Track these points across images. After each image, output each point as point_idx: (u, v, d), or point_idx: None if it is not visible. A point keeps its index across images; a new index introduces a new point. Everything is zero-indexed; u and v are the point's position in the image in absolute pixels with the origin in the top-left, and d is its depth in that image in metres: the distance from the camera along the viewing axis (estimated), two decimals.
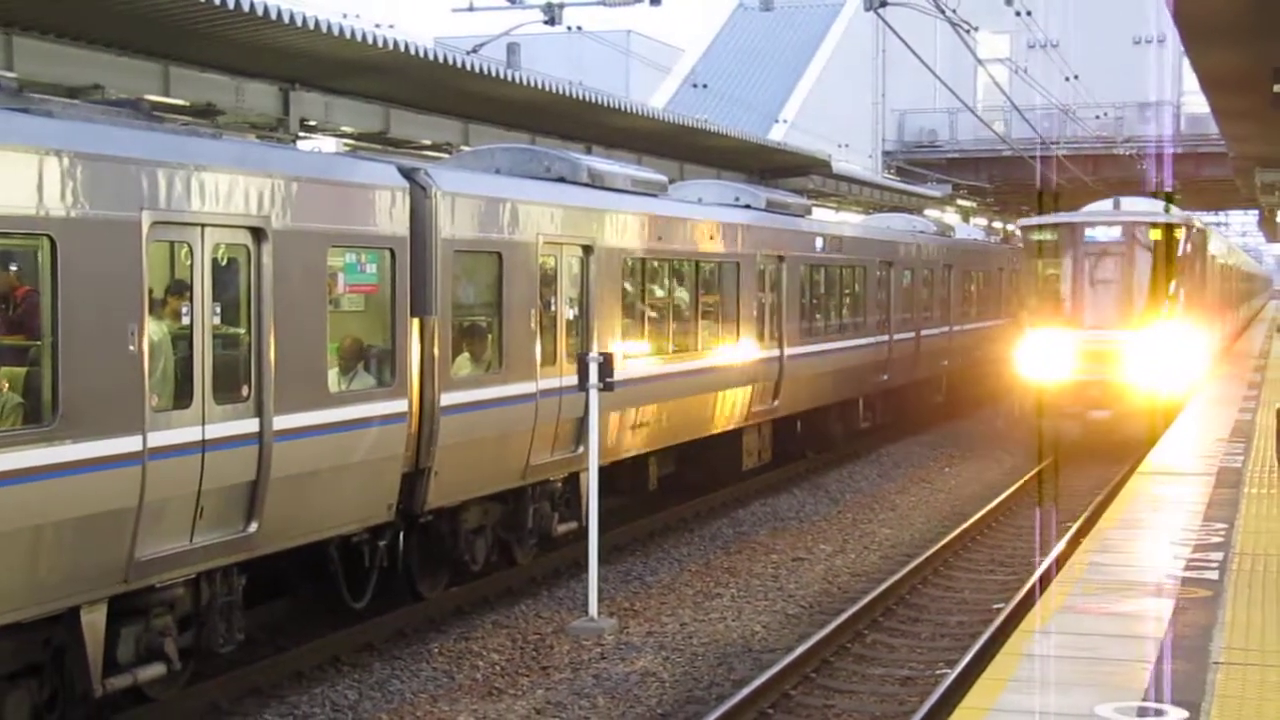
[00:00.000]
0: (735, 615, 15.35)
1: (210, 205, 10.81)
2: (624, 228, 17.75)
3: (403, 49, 17.97)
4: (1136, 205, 29.38)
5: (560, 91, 22.45)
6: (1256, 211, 57.63)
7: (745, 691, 12.08)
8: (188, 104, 16.76)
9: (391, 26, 23.70)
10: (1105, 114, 48.91)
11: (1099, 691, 7.48)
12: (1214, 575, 10.26)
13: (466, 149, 19.24)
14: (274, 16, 15.51)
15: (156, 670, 10.76)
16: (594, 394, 14.77)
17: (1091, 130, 46.34)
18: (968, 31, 25.23)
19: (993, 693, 7.56)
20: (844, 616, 14.64)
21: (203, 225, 10.78)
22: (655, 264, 18.95)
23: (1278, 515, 12.83)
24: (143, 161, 10.19)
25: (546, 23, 27.96)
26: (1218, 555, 10.97)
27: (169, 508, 10.44)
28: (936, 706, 11.49)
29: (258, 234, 11.31)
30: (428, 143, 22.10)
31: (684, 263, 19.89)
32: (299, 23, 15.97)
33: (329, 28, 16.46)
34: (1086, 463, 25.48)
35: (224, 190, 10.94)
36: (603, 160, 19.69)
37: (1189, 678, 7.73)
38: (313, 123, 19.50)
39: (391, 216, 13.04)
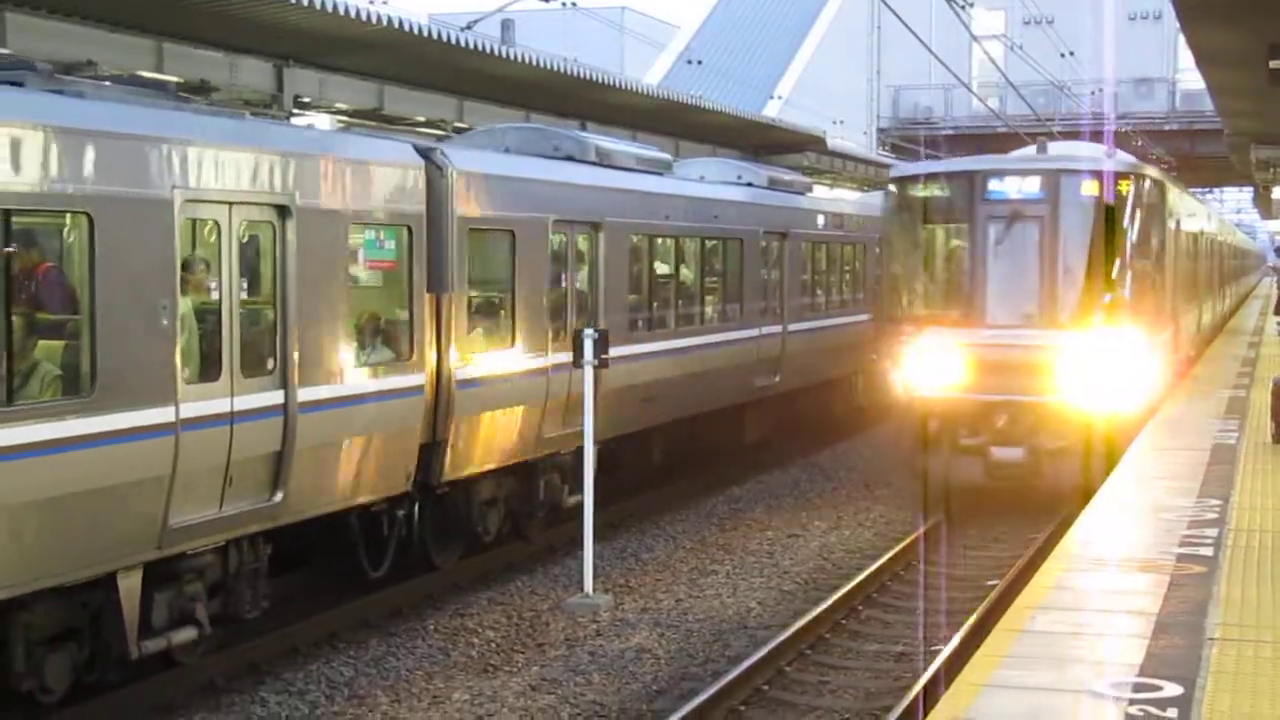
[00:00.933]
0: (730, 592, 15.38)
1: (238, 183, 11.15)
2: (631, 205, 18.00)
3: (397, 25, 17.92)
4: (1073, 151, 22.10)
5: (555, 68, 22.40)
6: (1251, 188, 57.60)
7: (740, 668, 12.10)
8: (181, 80, 16.70)
9: (385, 3, 23.61)
10: (1100, 90, 48.86)
11: (1094, 667, 7.49)
12: (1209, 552, 10.26)
13: (477, 129, 19.31)
14: None
15: (188, 634, 11.17)
16: (589, 370, 14.82)
17: (1087, 107, 46.27)
18: (963, 7, 25.15)
19: (988, 669, 7.56)
20: (839, 593, 14.67)
21: (230, 203, 11.11)
22: (661, 241, 19.23)
23: (1273, 492, 12.84)
24: (175, 141, 10.55)
25: None
26: (1213, 532, 10.97)
27: (200, 477, 10.76)
28: (931, 682, 11.51)
29: (282, 211, 11.66)
30: (422, 119, 22.04)
31: (689, 240, 20.11)
32: None
33: (323, 4, 16.40)
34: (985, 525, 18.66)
35: (251, 169, 11.29)
36: (609, 139, 19.88)
37: (1184, 654, 7.73)
38: (307, 99, 19.44)
39: (409, 194, 13.38)
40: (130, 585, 10.42)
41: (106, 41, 15.93)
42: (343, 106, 20.42)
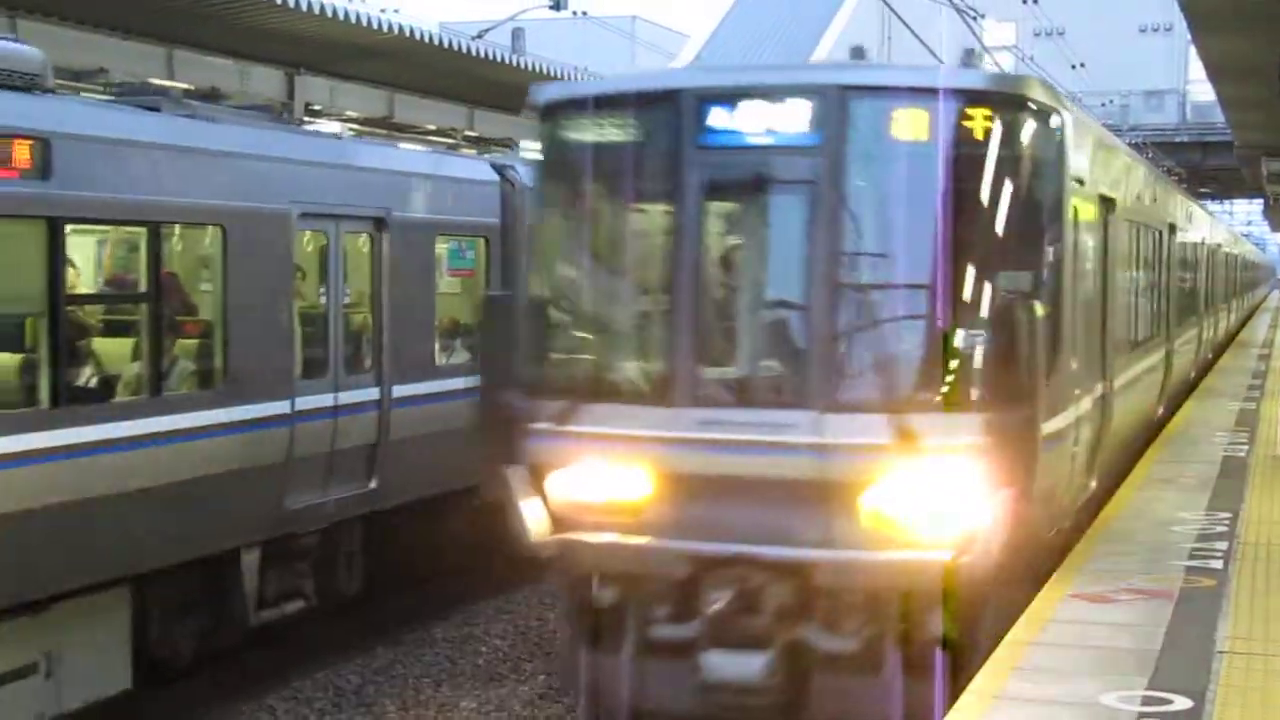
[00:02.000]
0: None
1: (343, 199, 12.24)
2: None
3: (408, 34, 17.99)
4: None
5: (565, 77, 22.42)
6: (1262, 200, 57.59)
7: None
8: (191, 88, 16.75)
9: (396, 11, 23.68)
10: (1111, 102, 48.87)
11: (1103, 680, 7.46)
12: (1218, 565, 10.23)
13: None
14: (279, 1, 15.50)
15: (298, 606, 12.32)
16: None
17: (1097, 119, 46.30)
18: (974, 19, 25.16)
19: (997, 680, 7.54)
20: None
21: (337, 216, 12.30)
22: None
23: None
24: (292, 161, 11.79)
25: (551, 8, 27.96)
26: (1222, 545, 10.94)
27: (310, 464, 11.86)
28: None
29: (380, 224, 12.83)
30: (432, 128, 22.09)
31: None
32: (304, 7, 15.97)
33: (334, 12, 16.47)
34: None
35: (354, 185, 12.43)
36: None
37: (1194, 666, 7.70)
38: (317, 107, 19.49)
39: (487, 207, 14.41)
40: (251, 561, 11.54)
41: (118, 49, 16.00)
42: (353, 114, 20.47)
